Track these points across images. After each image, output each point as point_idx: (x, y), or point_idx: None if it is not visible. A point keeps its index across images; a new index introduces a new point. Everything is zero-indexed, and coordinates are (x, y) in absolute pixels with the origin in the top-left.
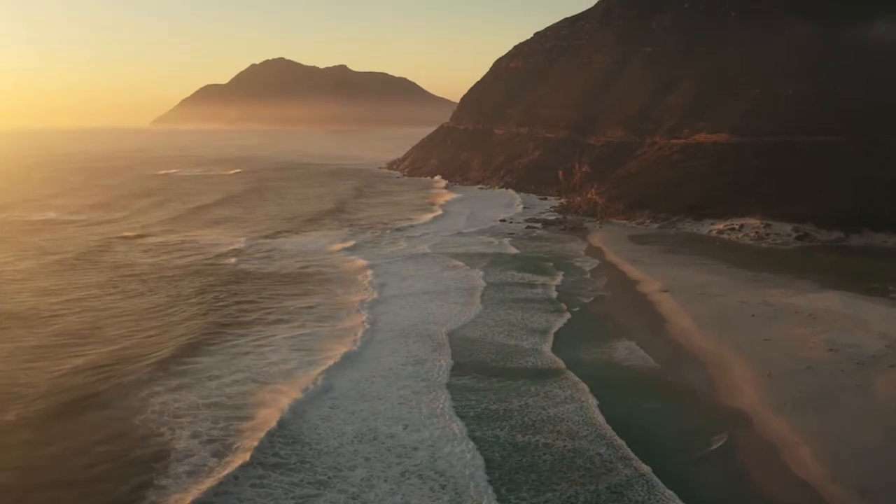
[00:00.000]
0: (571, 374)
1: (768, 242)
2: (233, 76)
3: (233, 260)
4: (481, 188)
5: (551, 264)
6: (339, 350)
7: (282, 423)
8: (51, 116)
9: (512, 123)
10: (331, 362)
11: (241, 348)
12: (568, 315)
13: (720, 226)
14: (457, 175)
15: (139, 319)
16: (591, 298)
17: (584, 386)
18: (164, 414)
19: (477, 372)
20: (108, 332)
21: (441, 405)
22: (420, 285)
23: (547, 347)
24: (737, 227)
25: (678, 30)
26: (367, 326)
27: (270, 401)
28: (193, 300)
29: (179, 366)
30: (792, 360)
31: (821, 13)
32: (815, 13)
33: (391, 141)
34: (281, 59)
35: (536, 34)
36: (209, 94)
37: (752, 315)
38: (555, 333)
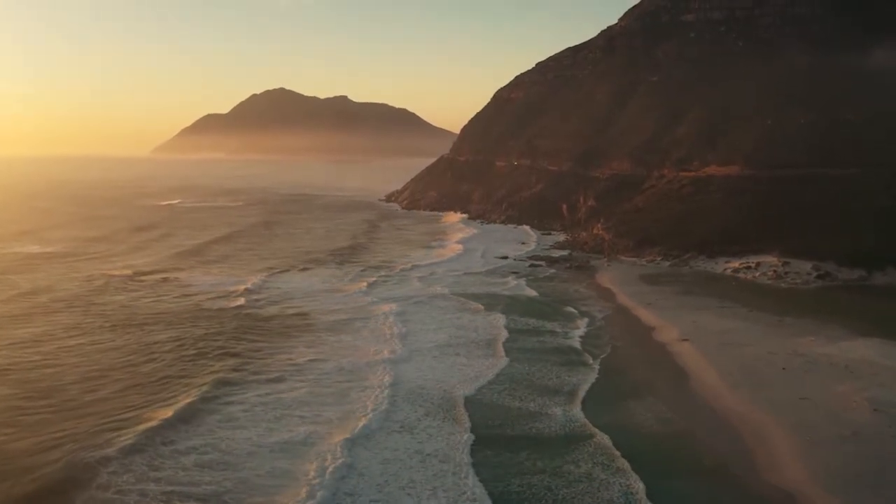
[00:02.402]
0: (611, 448)
1: (787, 282)
2: (234, 106)
3: (235, 303)
4: (481, 223)
5: (572, 309)
6: (345, 423)
7: None
8: (51, 143)
9: (513, 155)
10: (338, 437)
11: (228, 417)
12: (595, 373)
13: (735, 264)
14: (457, 207)
15: (108, 378)
16: (609, 349)
17: (624, 463)
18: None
19: (502, 448)
20: (71, 393)
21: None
22: (439, 335)
23: (578, 412)
24: (753, 265)
25: (684, 59)
26: (381, 392)
27: (250, 494)
28: (180, 353)
29: (146, 441)
30: (835, 423)
31: (827, 41)
32: (822, 41)
33: (391, 172)
34: (281, 90)
35: (538, 64)
36: (210, 124)
37: (784, 368)
38: (583, 396)
